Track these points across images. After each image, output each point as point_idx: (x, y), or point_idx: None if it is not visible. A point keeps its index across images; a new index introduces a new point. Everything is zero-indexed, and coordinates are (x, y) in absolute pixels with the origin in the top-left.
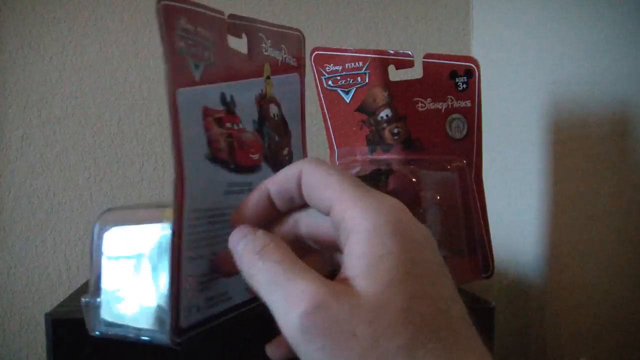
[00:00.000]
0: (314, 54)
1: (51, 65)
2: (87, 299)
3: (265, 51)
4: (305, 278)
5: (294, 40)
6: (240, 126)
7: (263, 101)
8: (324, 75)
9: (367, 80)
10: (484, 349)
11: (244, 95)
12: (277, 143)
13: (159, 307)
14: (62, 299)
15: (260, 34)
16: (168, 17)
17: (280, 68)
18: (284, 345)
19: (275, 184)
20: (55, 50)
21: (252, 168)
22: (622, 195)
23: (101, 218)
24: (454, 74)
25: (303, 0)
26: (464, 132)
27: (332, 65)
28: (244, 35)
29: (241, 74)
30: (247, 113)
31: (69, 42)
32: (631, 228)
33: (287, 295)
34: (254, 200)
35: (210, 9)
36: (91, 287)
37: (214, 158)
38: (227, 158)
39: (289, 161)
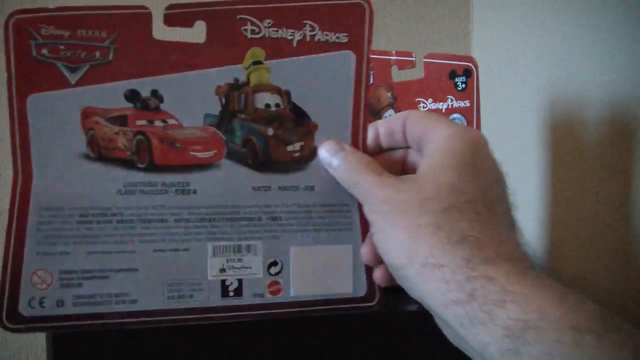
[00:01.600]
0: None
1: None
2: None
3: (256, 34)
4: (382, 175)
5: (341, 13)
6: (174, 122)
7: (237, 90)
8: None
9: (371, 81)
10: (517, 238)
11: (188, 87)
12: (272, 137)
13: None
14: None
15: (239, 17)
16: (21, 29)
17: (303, 49)
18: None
19: (384, 123)
20: None
21: (194, 167)
22: (622, 195)
23: None
24: (453, 74)
25: None
26: None
27: None
28: (197, 24)
29: (190, 65)
30: (193, 107)
31: None
32: (631, 228)
33: (366, 186)
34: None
35: (101, 7)
36: None
37: (100, 157)
38: (130, 157)
39: (305, 157)
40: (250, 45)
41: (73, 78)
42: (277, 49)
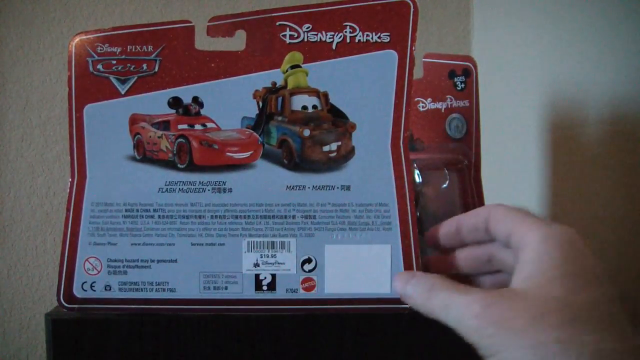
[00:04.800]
0: None
1: (51, 65)
2: None
3: (295, 39)
4: (471, 292)
5: (384, 12)
6: (213, 125)
7: (274, 94)
8: None
9: None
10: None
11: (227, 92)
12: (308, 138)
13: None
14: None
15: (279, 23)
16: (82, 49)
17: (343, 51)
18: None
19: (467, 217)
20: (55, 50)
21: (231, 167)
22: (622, 195)
23: None
24: (452, 74)
25: (304, 0)
26: (463, 132)
27: None
28: (238, 33)
29: (229, 72)
30: (231, 111)
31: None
32: (631, 228)
33: (462, 307)
34: (445, 228)
35: (150, 24)
36: None
37: (144, 159)
38: (172, 158)
39: (342, 157)
40: (288, 50)
41: (123, 89)
42: (316, 52)
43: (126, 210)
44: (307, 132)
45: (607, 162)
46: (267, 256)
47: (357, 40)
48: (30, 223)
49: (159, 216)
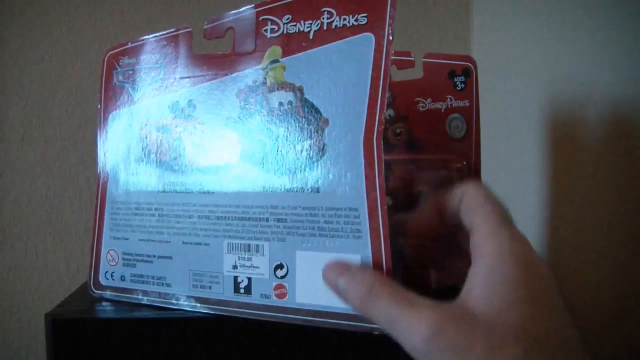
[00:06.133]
0: None
1: (51, 65)
2: None
3: (275, 32)
4: (420, 307)
5: None
6: (203, 127)
7: (255, 92)
8: None
9: None
10: None
11: (215, 94)
12: (282, 136)
13: None
14: (62, 299)
15: (262, 18)
16: (109, 63)
17: (319, 39)
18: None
19: (445, 199)
20: (55, 50)
21: (214, 168)
22: (622, 195)
23: None
24: (452, 74)
25: None
26: (463, 132)
27: None
28: (228, 34)
29: (217, 73)
30: (218, 112)
31: (69, 42)
32: (632, 228)
33: (407, 326)
34: (424, 213)
35: (157, 34)
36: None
37: (149, 161)
38: (169, 160)
39: (313, 157)
40: (270, 45)
41: (136, 96)
42: (294, 44)
43: (135, 209)
44: (281, 130)
45: (607, 162)
46: (244, 259)
47: (333, 27)
48: (30, 223)
49: (159, 215)
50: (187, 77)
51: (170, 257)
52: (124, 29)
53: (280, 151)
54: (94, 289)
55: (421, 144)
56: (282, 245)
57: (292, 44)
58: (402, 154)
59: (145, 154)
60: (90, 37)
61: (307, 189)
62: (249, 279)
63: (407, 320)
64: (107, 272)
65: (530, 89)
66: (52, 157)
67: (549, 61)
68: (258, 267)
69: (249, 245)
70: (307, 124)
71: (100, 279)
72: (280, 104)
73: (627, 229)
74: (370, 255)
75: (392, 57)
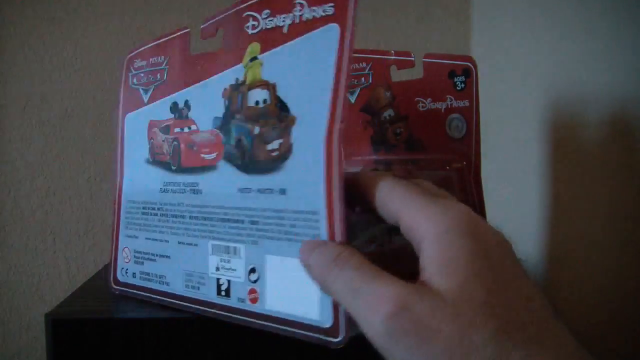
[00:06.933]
0: None
1: (51, 65)
2: None
3: (255, 29)
4: (384, 282)
5: None
6: (195, 128)
7: (237, 90)
8: None
9: (370, 81)
10: (576, 344)
11: (205, 94)
12: (257, 136)
13: None
14: (62, 299)
15: (245, 14)
16: (127, 66)
17: (292, 33)
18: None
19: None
20: (55, 50)
21: (202, 168)
22: (622, 195)
23: None
24: (452, 74)
25: None
26: (463, 132)
27: None
28: (219, 32)
29: (208, 72)
30: (207, 112)
31: (69, 42)
32: (632, 229)
33: (368, 300)
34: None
35: (163, 35)
36: None
37: (154, 161)
38: (169, 160)
39: (282, 157)
40: (250, 42)
41: (145, 98)
42: (270, 40)
43: (143, 208)
44: (257, 130)
45: (608, 163)
46: (225, 261)
47: (304, 19)
48: (30, 223)
49: (160, 214)
50: (185, 77)
51: (169, 257)
52: (123, 29)
53: (255, 151)
54: (113, 285)
55: (421, 144)
56: (255, 248)
57: (269, 39)
58: (402, 154)
59: (151, 154)
60: (91, 37)
61: (276, 191)
62: (229, 282)
63: (371, 293)
64: (122, 268)
65: (530, 89)
66: (52, 157)
67: (549, 61)
68: (235, 270)
69: (227, 247)
70: (279, 122)
71: (118, 276)
72: (257, 102)
73: (627, 229)
74: None
75: (393, 57)
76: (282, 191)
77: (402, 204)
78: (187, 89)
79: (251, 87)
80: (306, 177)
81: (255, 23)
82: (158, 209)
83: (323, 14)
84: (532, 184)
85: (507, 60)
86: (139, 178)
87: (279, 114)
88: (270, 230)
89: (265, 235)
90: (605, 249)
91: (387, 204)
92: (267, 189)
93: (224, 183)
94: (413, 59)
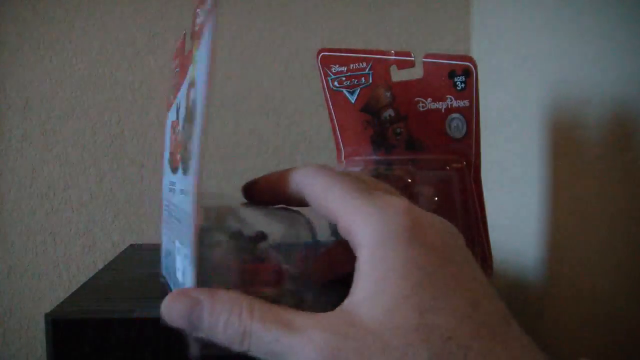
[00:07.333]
0: (320, 55)
1: (51, 65)
2: None
3: (196, 25)
4: (302, 330)
5: None
6: (177, 128)
7: (188, 90)
8: (330, 76)
9: (370, 81)
10: (532, 344)
11: (182, 93)
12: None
13: None
14: (62, 299)
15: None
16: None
17: (200, 32)
18: None
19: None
20: (55, 50)
21: (174, 169)
22: (622, 196)
23: None
24: (452, 74)
25: (305, 0)
26: (463, 132)
27: (337, 66)
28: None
29: (186, 72)
30: (180, 111)
31: (69, 42)
32: (632, 229)
33: (295, 355)
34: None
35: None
36: None
37: (165, 161)
38: (168, 159)
39: (184, 161)
40: (196, 39)
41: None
42: (198, 36)
43: (165, 205)
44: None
45: (608, 163)
46: (176, 260)
47: (202, 18)
48: (30, 223)
49: (167, 212)
50: (182, 77)
51: (171, 254)
52: (123, 29)
53: (184, 150)
54: (163, 276)
55: (421, 144)
56: (183, 249)
57: (199, 36)
58: (402, 154)
59: (165, 154)
60: (90, 36)
61: (178, 191)
62: (178, 282)
63: (295, 352)
64: (162, 261)
65: (530, 89)
66: (52, 157)
67: (549, 61)
68: (179, 269)
69: (178, 247)
70: (190, 123)
71: (162, 268)
72: (193, 100)
73: (627, 229)
74: (193, 277)
75: (393, 57)
76: (185, 192)
77: (340, 205)
78: (181, 88)
79: (191, 85)
80: (190, 180)
81: (193, 27)
82: (167, 206)
83: (209, 9)
84: (532, 184)
85: (507, 60)
86: (165, 177)
87: (193, 112)
88: (181, 232)
89: (178, 236)
90: (605, 249)
91: (325, 204)
92: (180, 189)
93: (180, 181)
94: (413, 59)
